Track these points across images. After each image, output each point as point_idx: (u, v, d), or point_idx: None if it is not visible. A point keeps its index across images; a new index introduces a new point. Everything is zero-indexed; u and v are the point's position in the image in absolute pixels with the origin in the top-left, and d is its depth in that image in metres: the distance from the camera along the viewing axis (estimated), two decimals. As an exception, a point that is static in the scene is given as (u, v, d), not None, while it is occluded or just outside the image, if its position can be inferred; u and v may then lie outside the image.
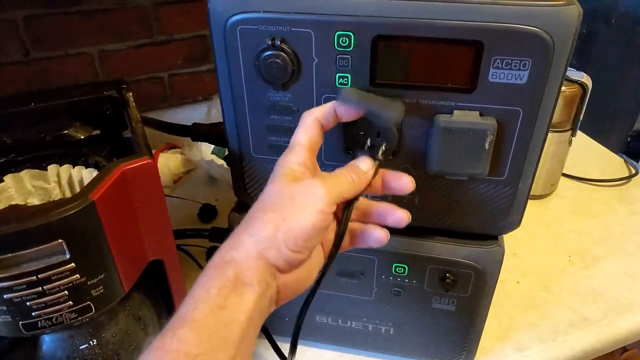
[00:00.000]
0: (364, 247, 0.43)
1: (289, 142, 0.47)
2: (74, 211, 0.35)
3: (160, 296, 0.52)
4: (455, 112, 0.42)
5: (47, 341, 0.43)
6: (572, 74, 0.77)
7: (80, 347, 0.44)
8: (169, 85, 1.00)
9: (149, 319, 0.49)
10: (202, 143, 0.92)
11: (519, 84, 0.39)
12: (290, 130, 0.47)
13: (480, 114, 0.41)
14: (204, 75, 1.01)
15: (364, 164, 0.40)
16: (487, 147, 0.42)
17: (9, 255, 0.34)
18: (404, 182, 0.41)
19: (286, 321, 0.58)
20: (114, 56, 0.92)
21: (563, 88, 0.76)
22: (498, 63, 0.39)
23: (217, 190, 0.92)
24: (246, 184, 0.52)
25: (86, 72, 0.91)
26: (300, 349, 0.64)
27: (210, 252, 0.76)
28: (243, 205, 0.55)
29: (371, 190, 0.41)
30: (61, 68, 0.89)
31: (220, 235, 0.67)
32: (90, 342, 0.44)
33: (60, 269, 0.36)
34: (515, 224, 0.49)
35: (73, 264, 0.36)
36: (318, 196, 0.35)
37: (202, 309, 0.31)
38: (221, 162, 0.91)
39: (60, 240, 0.35)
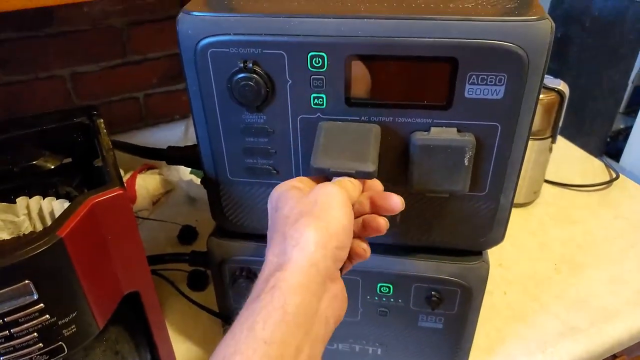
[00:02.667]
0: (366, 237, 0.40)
1: (265, 164, 0.47)
2: (40, 250, 0.33)
3: (138, 327, 0.50)
4: (433, 129, 0.41)
5: (19, 383, 0.41)
6: (549, 81, 0.78)
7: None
8: (144, 105, 0.98)
9: (128, 352, 0.48)
10: (181, 163, 0.91)
11: (495, 99, 0.39)
12: (266, 152, 0.46)
13: (458, 131, 0.41)
14: (181, 94, 1.00)
15: None
16: (466, 164, 0.41)
17: (-29, 299, 0.32)
18: (394, 202, 0.39)
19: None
20: (87, 78, 0.90)
21: (541, 96, 0.76)
22: (474, 79, 0.38)
23: (196, 211, 0.91)
24: (224, 208, 0.51)
25: (58, 95, 0.89)
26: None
27: (191, 277, 0.75)
28: (222, 229, 0.54)
29: (359, 209, 0.40)
30: (32, 92, 0.87)
31: (201, 259, 0.65)
32: (67, 381, 0.42)
33: (29, 310, 0.34)
34: (498, 238, 0.48)
35: (42, 304, 0.35)
36: (334, 193, 0.35)
37: (244, 351, 0.28)
38: (199, 182, 0.89)
39: (27, 281, 0.33)
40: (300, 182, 0.38)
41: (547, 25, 0.36)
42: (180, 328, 0.68)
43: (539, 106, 0.77)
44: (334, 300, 0.34)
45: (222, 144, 0.46)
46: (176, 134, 0.95)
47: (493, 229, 0.47)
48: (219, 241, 0.54)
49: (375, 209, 0.39)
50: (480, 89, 0.39)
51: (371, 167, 0.38)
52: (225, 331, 0.56)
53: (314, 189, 0.36)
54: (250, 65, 0.40)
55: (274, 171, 0.47)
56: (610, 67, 1.30)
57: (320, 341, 0.32)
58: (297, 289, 0.30)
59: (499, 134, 0.41)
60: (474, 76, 0.38)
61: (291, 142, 0.45)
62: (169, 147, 0.56)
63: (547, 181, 0.92)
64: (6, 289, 0.33)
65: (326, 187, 0.35)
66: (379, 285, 0.52)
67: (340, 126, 0.42)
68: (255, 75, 0.41)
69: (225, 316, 0.59)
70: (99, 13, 0.85)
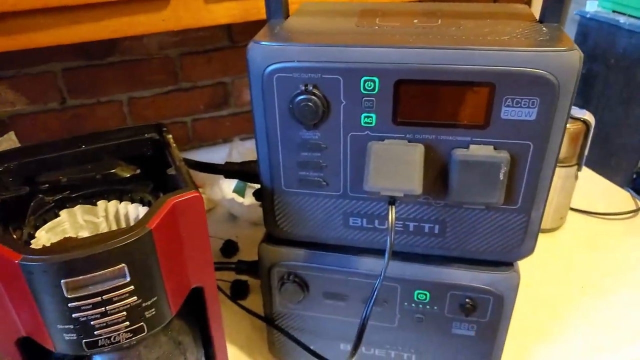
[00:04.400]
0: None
1: (317, 176, 0.52)
2: (134, 239, 0.39)
3: (197, 323, 0.55)
4: (472, 146, 0.46)
5: (98, 363, 0.46)
6: (575, 112, 0.82)
7: (130, 369, 0.47)
8: (191, 129, 1.05)
9: (188, 344, 0.52)
10: (224, 182, 0.97)
11: (528, 120, 0.44)
12: (318, 166, 0.51)
13: (495, 148, 0.46)
14: (224, 120, 1.07)
15: None
16: (501, 178, 0.46)
17: (80, 277, 0.37)
18: None
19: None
20: (142, 102, 0.98)
21: (567, 125, 0.81)
22: (509, 102, 0.43)
23: (237, 228, 0.96)
24: (276, 216, 0.56)
25: (116, 118, 0.97)
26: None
27: (234, 286, 0.80)
28: (271, 236, 0.59)
29: None
30: (93, 114, 0.95)
31: (246, 268, 0.70)
32: (138, 364, 0.47)
33: (121, 291, 0.40)
34: (529, 250, 0.52)
35: (132, 286, 0.40)
36: None
37: None
38: (241, 200, 0.95)
39: (123, 265, 0.39)
40: None
41: (576, 55, 0.41)
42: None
43: (565, 135, 0.82)
44: None
45: (279, 157, 0.52)
46: (220, 155, 1.02)
47: (524, 240, 0.51)
48: (269, 247, 0.59)
49: None
50: (515, 111, 0.44)
51: (418, 189, 0.44)
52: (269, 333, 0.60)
53: None
54: (311, 88, 0.46)
55: (324, 183, 0.52)
56: (635, 104, 1.34)
57: None
58: None
59: (531, 151, 0.45)
60: (509, 99, 0.43)
61: (341, 157, 0.50)
62: (227, 162, 0.62)
63: (572, 209, 0.95)
64: (106, 270, 0.38)
65: None
66: (416, 292, 0.56)
67: (388, 147, 0.47)
68: (314, 97, 0.47)
69: (270, 319, 0.63)
70: (156, 44, 0.93)
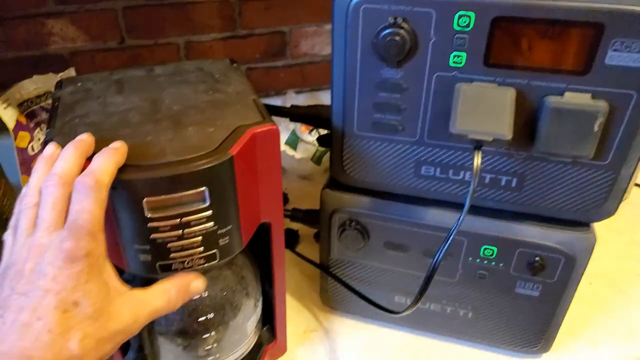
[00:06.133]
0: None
1: (393, 120, 0.50)
2: (217, 162, 0.38)
3: (258, 260, 0.54)
4: (567, 94, 0.43)
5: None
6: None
7: (194, 297, 0.47)
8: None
9: (250, 280, 0.52)
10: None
11: (636, 67, 0.41)
12: (396, 108, 0.49)
13: (592, 97, 0.43)
14: (279, 71, 1.05)
15: None
16: (595, 130, 0.43)
17: (162, 197, 0.37)
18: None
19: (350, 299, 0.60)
20: (198, 47, 0.97)
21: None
22: (617, 46, 0.40)
23: (286, 180, 0.95)
24: (344, 161, 0.55)
25: (172, 61, 0.96)
26: (373, 329, 0.65)
27: (285, 234, 0.80)
28: (335, 182, 0.58)
29: None
30: (150, 56, 0.94)
31: (302, 216, 0.70)
32: (203, 293, 0.47)
33: (200, 215, 0.39)
34: (611, 211, 0.50)
35: (210, 211, 0.39)
36: None
37: None
38: (293, 152, 0.94)
39: (204, 188, 0.38)
40: None
41: (701, -5, 0.38)
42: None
43: None
44: None
45: (355, 98, 0.50)
46: (274, 106, 1.01)
47: (608, 200, 0.48)
48: (332, 192, 0.58)
49: None
50: (622, 56, 0.40)
51: (508, 134, 0.42)
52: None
53: None
54: (400, 21, 0.44)
55: (400, 127, 0.50)
56: None
57: None
58: None
59: (632, 102, 0.42)
60: (618, 43, 0.40)
61: (422, 99, 0.48)
62: (293, 105, 0.61)
63: (638, 185, 0.91)
64: (188, 192, 0.38)
65: None
66: (483, 247, 0.54)
67: (479, 89, 0.44)
68: (402, 31, 0.44)
69: (326, 267, 0.63)
70: (217, -14, 0.92)
